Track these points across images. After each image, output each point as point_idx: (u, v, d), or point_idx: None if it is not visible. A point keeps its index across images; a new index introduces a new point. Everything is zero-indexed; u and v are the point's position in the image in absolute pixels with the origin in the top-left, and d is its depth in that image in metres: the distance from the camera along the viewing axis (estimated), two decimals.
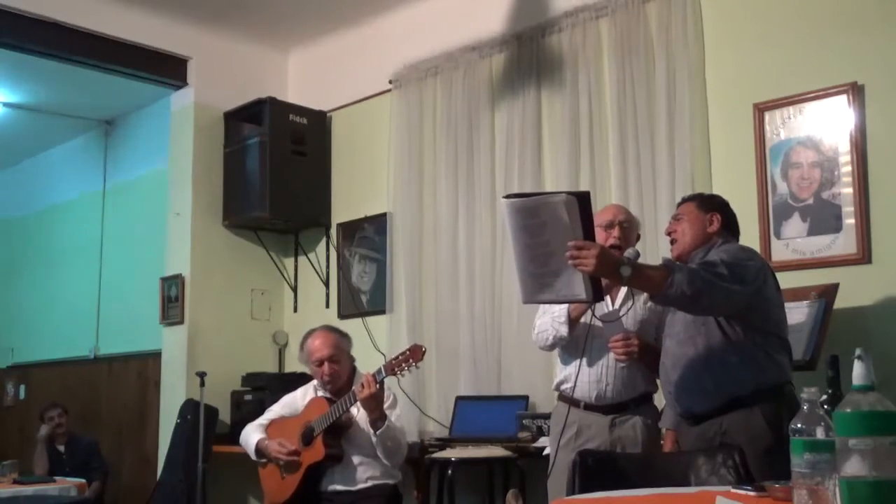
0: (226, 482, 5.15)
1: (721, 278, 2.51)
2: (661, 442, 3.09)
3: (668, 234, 2.93)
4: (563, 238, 2.45)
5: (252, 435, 3.78)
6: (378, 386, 3.39)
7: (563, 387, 3.18)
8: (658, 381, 3.13)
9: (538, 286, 2.61)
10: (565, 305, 3.07)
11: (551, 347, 3.24)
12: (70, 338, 6.73)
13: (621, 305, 3.12)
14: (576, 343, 3.11)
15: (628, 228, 3.14)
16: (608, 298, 3.10)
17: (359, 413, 3.61)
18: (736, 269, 2.55)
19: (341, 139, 5.56)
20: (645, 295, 3.04)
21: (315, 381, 3.82)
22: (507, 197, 2.58)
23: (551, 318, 3.13)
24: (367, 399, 3.38)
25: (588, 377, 3.08)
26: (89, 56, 5.18)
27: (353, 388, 3.57)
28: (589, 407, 3.09)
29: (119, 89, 5.81)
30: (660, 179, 3.92)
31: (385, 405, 3.60)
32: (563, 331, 3.09)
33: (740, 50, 3.81)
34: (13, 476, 4.41)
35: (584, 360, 3.08)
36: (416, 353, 3.40)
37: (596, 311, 3.02)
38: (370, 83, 5.27)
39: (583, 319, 3.07)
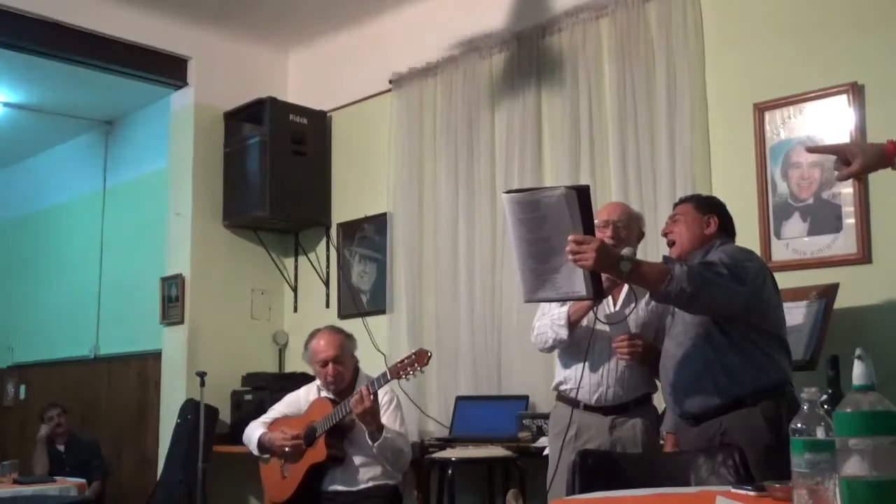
0: (226, 482, 5.15)
1: (721, 277, 2.51)
2: (662, 443, 3.09)
3: (665, 235, 2.92)
4: (563, 233, 2.44)
5: (255, 431, 3.78)
6: (373, 398, 3.39)
7: (562, 388, 3.17)
8: (657, 382, 3.14)
9: (539, 283, 2.60)
10: (565, 308, 3.06)
11: (550, 350, 3.23)
12: (70, 338, 6.74)
13: (623, 307, 3.10)
14: (577, 346, 3.09)
15: (624, 227, 3.09)
16: (610, 300, 3.10)
17: None
18: (735, 270, 2.56)
19: (341, 139, 5.56)
20: (646, 297, 3.03)
21: (318, 381, 3.82)
22: (508, 192, 2.58)
23: (550, 321, 3.11)
24: (362, 414, 3.39)
25: (589, 380, 3.07)
26: (89, 56, 5.18)
27: (356, 389, 3.57)
28: (589, 408, 3.08)
29: (119, 89, 5.82)
30: (660, 179, 3.92)
31: (388, 409, 3.60)
32: (563, 333, 3.07)
33: (740, 50, 3.81)
34: (13, 476, 4.41)
35: (587, 363, 3.07)
36: (421, 358, 3.40)
37: (598, 312, 3.02)
38: (370, 83, 5.27)
39: (584, 322, 3.06)
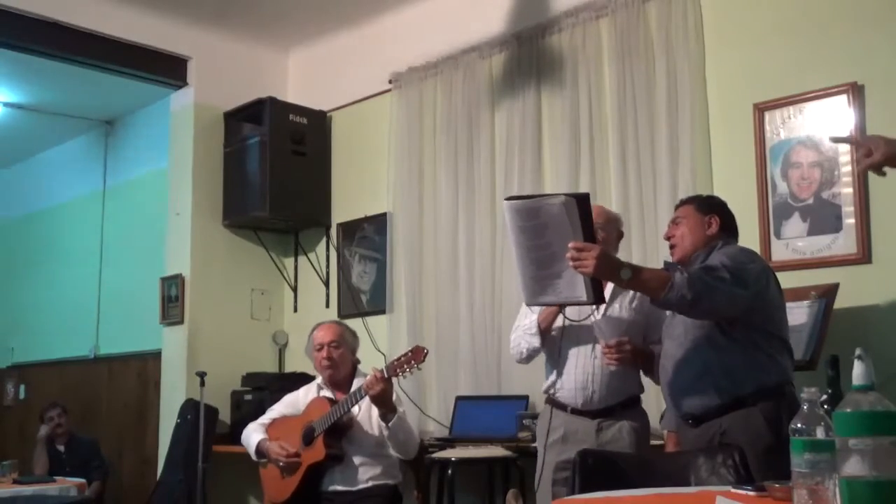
0: (226, 482, 5.15)
1: (723, 282, 2.51)
2: (662, 443, 3.09)
3: (668, 238, 2.92)
4: (563, 240, 2.46)
5: (253, 435, 3.78)
6: (387, 379, 3.38)
7: (550, 392, 3.17)
8: (643, 383, 3.16)
9: (540, 288, 2.63)
10: (535, 317, 3.08)
11: (527, 360, 3.23)
12: (70, 338, 6.73)
13: (606, 308, 3.09)
14: (557, 350, 3.09)
15: (602, 230, 3.03)
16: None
17: (360, 413, 3.61)
18: (737, 273, 2.55)
19: (341, 139, 5.56)
20: (629, 297, 3.03)
21: (318, 380, 3.82)
22: (509, 199, 2.59)
23: (523, 331, 3.13)
24: (378, 394, 3.37)
25: (574, 383, 3.07)
26: (89, 56, 5.18)
27: (353, 388, 3.57)
28: (575, 411, 3.08)
29: (119, 89, 5.81)
30: (660, 179, 3.92)
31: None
32: (535, 342, 3.09)
33: (740, 50, 3.81)
34: (13, 476, 4.40)
35: (567, 365, 3.08)
36: (418, 355, 3.40)
37: (568, 313, 3.02)
38: (370, 83, 5.27)
39: (557, 323, 3.07)
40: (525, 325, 3.13)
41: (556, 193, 2.58)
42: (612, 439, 3.03)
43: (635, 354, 3.03)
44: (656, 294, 2.48)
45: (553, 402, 3.15)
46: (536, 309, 3.11)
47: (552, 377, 3.15)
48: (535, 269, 2.60)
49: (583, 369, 3.06)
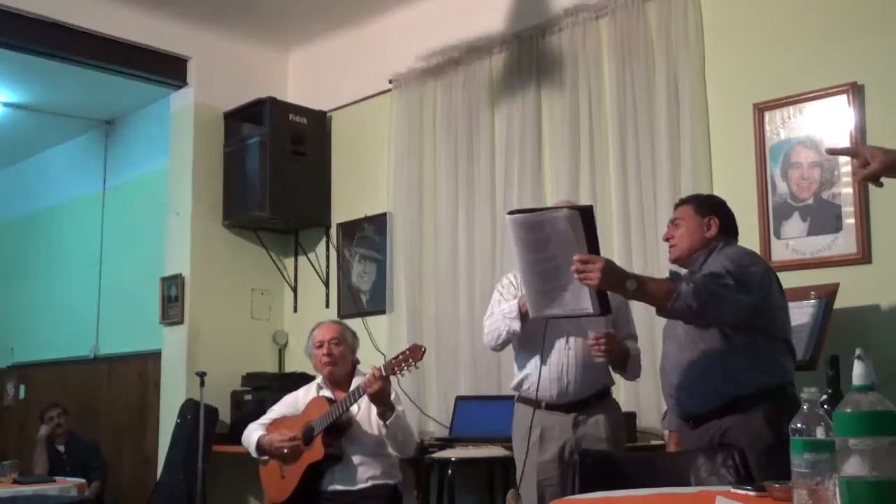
0: (226, 482, 5.15)
1: (727, 289, 2.50)
2: (662, 443, 3.09)
3: (666, 239, 2.92)
4: (568, 252, 2.46)
5: (253, 433, 3.77)
6: (385, 377, 3.39)
7: (522, 388, 3.16)
8: (613, 375, 3.18)
9: (546, 301, 2.63)
10: (515, 301, 3.06)
11: (503, 345, 3.20)
12: (70, 338, 6.74)
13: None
14: (532, 342, 3.09)
15: None
16: None
17: (359, 412, 3.61)
18: (741, 277, 2.54)
19: (341, 139, 5.56)
20: None
21: (318, 380, 3.82)
22: (512, 213, 2.59)
23: (502, 315, 3.11)
24: (376, 392, 3.37)
25: (548, 375, 3.07)
26: (89, 56, 5.18)
27: (352, 387, 3.57)
28: (550, 406, 3.08)
29: (119, 89, 5.82)
30: (660, 179, 3.92)
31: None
32: (516, 326, 3.06)
33: (740, 50, 3.81)
34: (13, 476, 4.40)
35: (545, 357, 3.06)
36: (415, 353, 3.40)
37: None
38: (370, 83, 5.27)
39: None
40: (504, 309, 3.11)
41: (559, 207, 2.58)
42: (589, 433, 3.04)
43: (619, 350, 3.05)
44: (662, 304, 2.47)
45: (525, 399, 3.14)
46: (508, 296, 3.11)
47: (525, 372, 3.14)
48: (541, 281, 2.60)
49: (557, 361, 3.07)
